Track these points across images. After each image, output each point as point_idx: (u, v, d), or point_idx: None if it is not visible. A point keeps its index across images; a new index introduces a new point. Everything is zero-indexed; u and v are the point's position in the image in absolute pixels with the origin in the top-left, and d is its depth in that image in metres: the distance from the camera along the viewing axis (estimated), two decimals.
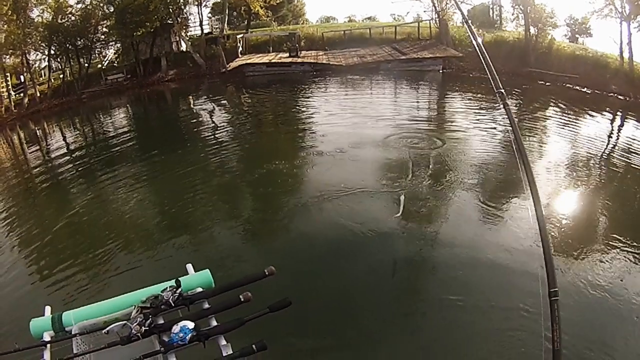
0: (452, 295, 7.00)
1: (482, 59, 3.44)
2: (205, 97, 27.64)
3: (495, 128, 15.62)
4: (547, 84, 23.30)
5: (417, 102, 21.89)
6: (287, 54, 30.79)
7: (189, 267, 3.45)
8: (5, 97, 27.00)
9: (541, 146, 14.24)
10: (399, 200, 9.75)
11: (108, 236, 9.85)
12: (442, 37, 30.13)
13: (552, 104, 19.54)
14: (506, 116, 3.49)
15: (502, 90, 3.36)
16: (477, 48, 3.56)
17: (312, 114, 19.95)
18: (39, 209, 12.90)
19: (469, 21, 3.92)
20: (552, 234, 8.37)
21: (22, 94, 28.36)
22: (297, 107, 21.75)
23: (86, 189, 13.37)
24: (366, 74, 26.81)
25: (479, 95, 21.32)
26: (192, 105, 25.89)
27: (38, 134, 24.19)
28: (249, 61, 30.46)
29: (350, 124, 16.94)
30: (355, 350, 5.94)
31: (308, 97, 23.74)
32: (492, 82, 3.39)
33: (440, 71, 27.04)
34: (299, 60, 29.84)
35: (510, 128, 3.39)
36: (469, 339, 6.21)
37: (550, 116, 17.76)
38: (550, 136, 15.20)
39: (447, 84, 25.41)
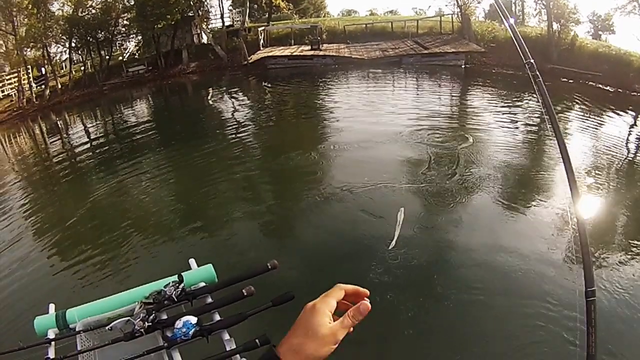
0: (472, 285, 6.88)
1: (512, 33, 3.36)
2: (227, 89, 27.66)
3: (517, 127, 15.36)
4: (570, 81, 22.74)
5: (440, 97, 21.50)
6: (309, 47, 30.65)
7: (192, 261, 3.41)
8: (27, 89, 27.47)
9: (567, 144, 13.89)
10: (397, 218, 8.33)
11: (121, 226, 9.89)
12: (464, 31, 29.71)
13: (577, 101, 19.10)
14: (536, 94, 3.32)
15: (532, 61, 3.21)
16: (508, 27, 3.52)
17: (334, 107, 19.78)
18: (59, 197, 13.10)
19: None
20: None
21: (43, 86, 28.86)
22: (319, 100, 21.63)
23: (105, 178, 13.44)
24: (388, 68, 26.59)
25: (502, 92, 21.03)
26: (213, 97, 25.89)
27: (59, 124, 24.55)
28: (270, 54, 30.43)
29: (373, 118, 16.68)
30: (362, 344, 5.79)
31: (330, 91, 23.55)
32: (520, 53, 3.28)
33: (463, 66, 26.57)
34: (321, 53, 29.64)
35: (543, 105, 3.27)
36: (484, 335, 6.02)
37: (576, 115, 17.32)
38: (575, 135, 14.79)
39: (470, 79, 24.97)
